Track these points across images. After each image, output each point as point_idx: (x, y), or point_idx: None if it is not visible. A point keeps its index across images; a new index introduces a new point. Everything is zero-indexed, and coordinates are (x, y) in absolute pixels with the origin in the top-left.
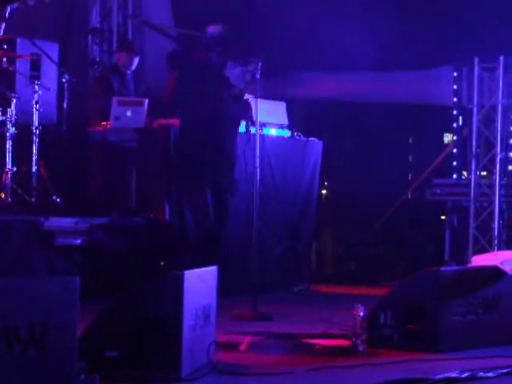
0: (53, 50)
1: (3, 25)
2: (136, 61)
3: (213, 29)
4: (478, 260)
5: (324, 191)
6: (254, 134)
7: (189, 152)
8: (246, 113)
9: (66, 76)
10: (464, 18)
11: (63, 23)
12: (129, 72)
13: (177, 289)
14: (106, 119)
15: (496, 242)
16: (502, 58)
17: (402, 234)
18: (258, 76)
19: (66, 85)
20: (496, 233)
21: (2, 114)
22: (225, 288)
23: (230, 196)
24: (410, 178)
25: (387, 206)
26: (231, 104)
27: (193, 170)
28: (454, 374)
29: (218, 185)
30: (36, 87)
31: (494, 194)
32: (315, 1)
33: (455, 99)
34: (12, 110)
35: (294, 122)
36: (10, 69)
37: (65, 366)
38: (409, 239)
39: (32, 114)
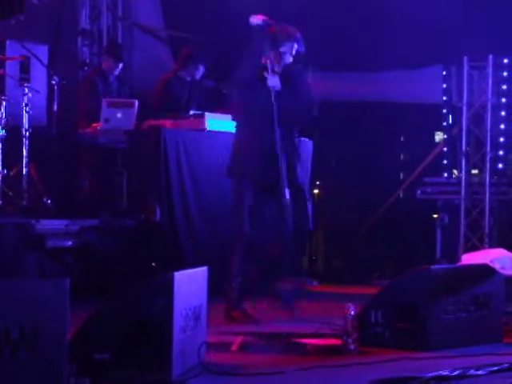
0: (42, 52)
1: None
2: (120, 67)
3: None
4: (468, 258)
5: (316, 191)
6: None
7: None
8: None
9: (56, 78)
10: (452, 17)
11: (53, 25)
12: (111, 75)
13: (167, 290)
14: (94, 121)
15: (487, 240)
16: (491, 56)
17: (393, 233)
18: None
19: (55, 87)
20: (487, 231)
21: None
22: (216, 289)
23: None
24: (401, 176)
25: (379, 205)
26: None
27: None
28: (444, 372)
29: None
30: (26, 89)
31: (484, 192)
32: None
33: (445, 98)
34: (2, 113)
35: None
36: (0, 71)
37: (55, 368)
38: (400, 238)
39: (22, 117)
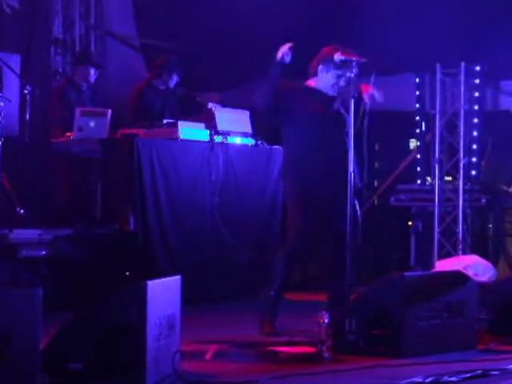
0: (15, 61)
1: None
2: (95, 73)
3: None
4: (442, 265)
5: None
6: (218, 143)
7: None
8: None
9: (28, 87)
10: (425, 25)
11: (25, 34)
12: (84, 84)
13: (140, 299)
14: (67, 131)
15: (460, 246)
16: (463, 64)
17: (368, 240)
18: (353, 75)
19: (28, 96)
20: (460, 237)
21: None
22: (189, 297)
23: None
24: (376, 184)
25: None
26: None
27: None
28: (418, 379)
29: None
30: None
31: (457, 199)
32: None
33: (418, 105)
34: None
35: (258, 130)
36: None
37: (27, 378)
38: (374, 245)
39: None
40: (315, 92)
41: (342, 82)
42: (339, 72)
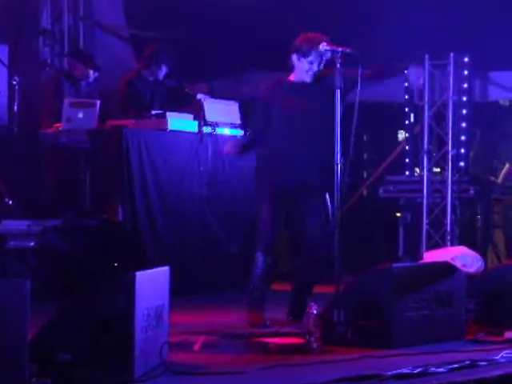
0: (3, 52)
1: None
2: (93, 74)
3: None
4: (430, 256)
5: None
6: (207, 134)
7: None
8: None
9: (17, 78)
10: (413, 16)
11: (13, 25)
12: (83, 82)
13: (128, 289)
14: (58, 121)
15: (449, 237)
16: (452, 54)
17: (356, 231)
18: (338, 65)
19: (16, 87)
20: (449, 228)
21: None
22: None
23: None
24: (365, 175)
25: (343, 204)
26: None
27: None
28: (406, 370)
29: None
30: None
31: (446, 190)
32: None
33: (406, 96)
34: None
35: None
36: None
37: (16, 369)
38: (363, 236)
39: None
40: (293, 86)
41: (315, 67)
42: (309, 59)
